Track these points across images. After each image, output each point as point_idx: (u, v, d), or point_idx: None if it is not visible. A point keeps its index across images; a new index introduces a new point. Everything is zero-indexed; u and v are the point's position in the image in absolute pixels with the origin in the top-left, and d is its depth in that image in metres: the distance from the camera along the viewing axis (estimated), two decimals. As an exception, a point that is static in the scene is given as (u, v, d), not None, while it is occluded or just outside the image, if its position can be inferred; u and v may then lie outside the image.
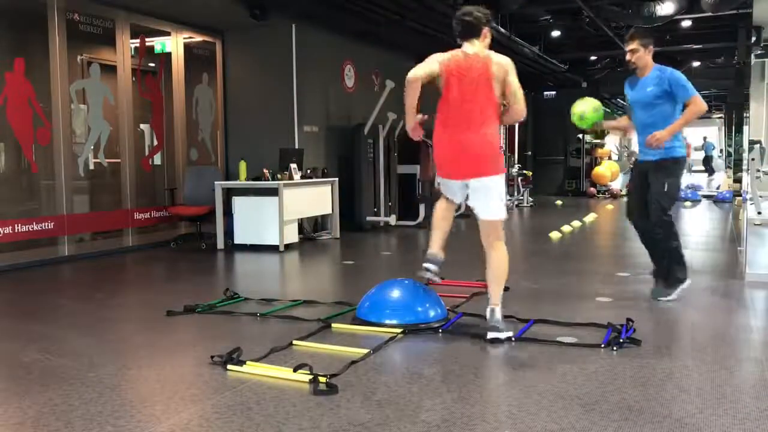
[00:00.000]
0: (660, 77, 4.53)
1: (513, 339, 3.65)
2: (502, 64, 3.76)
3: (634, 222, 4.82)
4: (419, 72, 3.73)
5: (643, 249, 4.94)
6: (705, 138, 29.62)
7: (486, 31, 3.88)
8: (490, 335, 3.64)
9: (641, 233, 4.82)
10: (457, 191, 3.95)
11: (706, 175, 25.49)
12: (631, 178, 4.97)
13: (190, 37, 8.72)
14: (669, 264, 4.69)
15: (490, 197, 3.78)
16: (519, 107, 3.76)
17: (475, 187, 3.80)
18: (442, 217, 4.07)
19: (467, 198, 3.92)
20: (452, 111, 3.80)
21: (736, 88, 15.28)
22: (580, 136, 17.58)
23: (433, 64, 3.81)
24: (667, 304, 4.59)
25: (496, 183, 3.78)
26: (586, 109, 4.74)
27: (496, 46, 13.43)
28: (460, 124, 3.77)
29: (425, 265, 3.94)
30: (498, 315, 3.72)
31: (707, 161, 27.28)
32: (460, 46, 3.91)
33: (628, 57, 4.62)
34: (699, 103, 4.45)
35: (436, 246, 4.00)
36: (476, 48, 3.83)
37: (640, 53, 4.57)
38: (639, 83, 4.63)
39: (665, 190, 4.54)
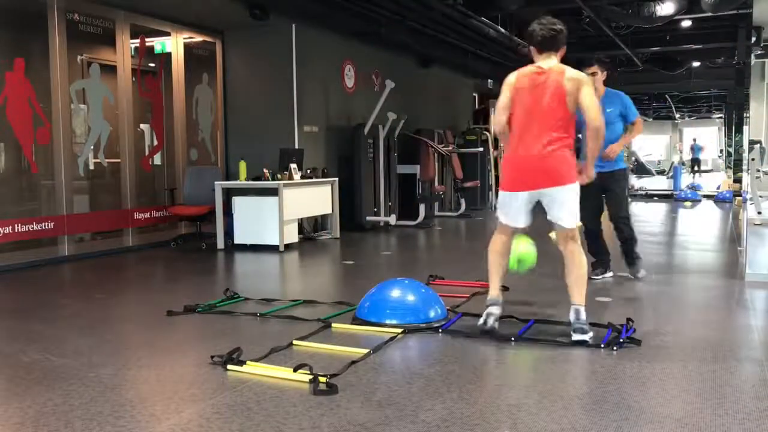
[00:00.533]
0: (617, 99, 5.27)
1: (513, 339, 3.65)
2: (577, 79, 3.83)
3: (585, 224, 5.29)
4: (501, 119, 3.88)
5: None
6: (694, 140, 29.69)
7: (564, 47, 4.01)
8: (576, 337, 3.59)
9: (589, 232, 5.52)
10: (522, 207, 3.90)
11: (691, 175, 25.48)
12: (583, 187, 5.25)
13: (190, 37, 8.72)
14: (630, 250, 5.56)
15: (565, 205, 3.78)
16: (589, 118, 3.79)
17: (552, 196, 3.78)
18: (501, 254, 4.05)
19: (544, 211, 3.92)
20: (525, 126, 3.81)
21: (736, 88, 15.27)
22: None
23: (505, 95, 3.89)
24: (664, 302, 4.60)
25: (569, 191, 3.78)
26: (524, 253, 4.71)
27: (496, 45, 13.32)
28: (533, 140, 3.77)
29: (487, 311, 3.83)
30: (583, 316, 3.69)
31: (695, 162, 27.42)
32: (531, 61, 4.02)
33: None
34: (641, 123, 5.41)
35: (495, 289, 3.94)
36: (552, 62, 3.92)
37: (598, 76, 5.19)
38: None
39: (625, 194, 5.52)
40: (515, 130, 3.87)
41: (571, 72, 3.84)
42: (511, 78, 3.91)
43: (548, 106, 3.77)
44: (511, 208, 3.95)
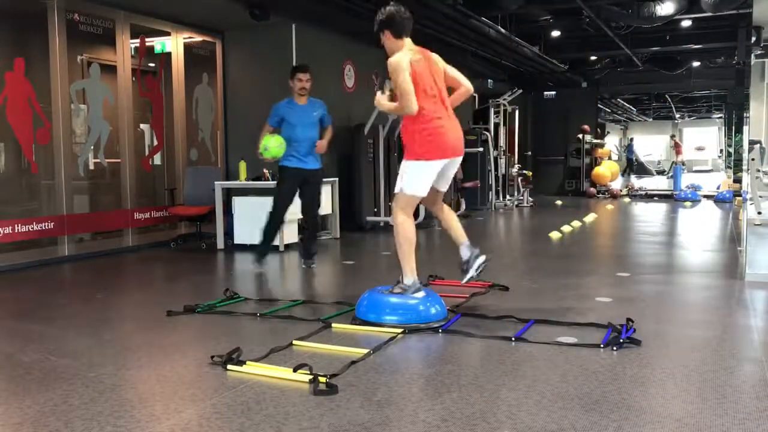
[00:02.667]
0: (319, 105, 6.12)
1: (513, 339, 3.66)
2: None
3: (281, 211, 6.04)
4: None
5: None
6: (631, 139, 29.39)
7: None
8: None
9: (274, 216, 6.09)
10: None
11: (625, 176, 24.98)
12: (285, 180, 6.05)
13: (190, 37, 8.72)
14: (312, 244, 6.28)
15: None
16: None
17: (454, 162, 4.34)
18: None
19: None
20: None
21: (736, 88, 15.27)
22: (580, 136, 17.58)
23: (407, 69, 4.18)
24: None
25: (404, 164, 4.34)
26: (270, 144, 5.80)
27: (496, 46, 13.29)
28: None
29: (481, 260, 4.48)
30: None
31: (629, 163, 26.91)
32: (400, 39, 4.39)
33: (303, 86, 5.98)
34: (332, 130, 6.22)
35: (414, 273, 4.32)
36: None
37: (311, 84, 6.05)
38: (299, 108, 6.00)
39: (320, 191, 6.28)
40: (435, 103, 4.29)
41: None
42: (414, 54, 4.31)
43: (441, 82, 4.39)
44: (443, 174, 4.38)
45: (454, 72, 4.45)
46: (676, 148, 22.61)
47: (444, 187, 4.46)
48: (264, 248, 6.17)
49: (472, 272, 4.43)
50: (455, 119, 4.31)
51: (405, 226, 4.29)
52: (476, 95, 16.13)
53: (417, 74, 4.15)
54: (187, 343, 3.83)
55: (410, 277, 4.22)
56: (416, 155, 4.17)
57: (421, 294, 4.17)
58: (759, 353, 3.43)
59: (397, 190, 4.29)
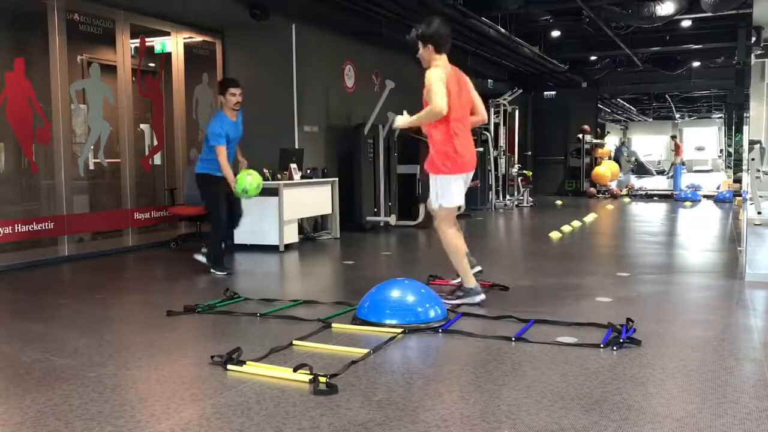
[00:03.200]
0: (240, 117, 6.08)
1: (513, 339, 3.66)
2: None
3: (226, 219, 6.01)
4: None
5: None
6: (623, 142, 29.30)
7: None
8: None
9: (228, 228, 6.14)
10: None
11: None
12: (215, 188, 5.93)
13: (190, 37, 8.72)
14: (229, 247, 6.34)
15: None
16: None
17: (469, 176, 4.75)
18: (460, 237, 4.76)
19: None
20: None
21: (736, 88, 15.27)
22: (580, 136, 17.59)
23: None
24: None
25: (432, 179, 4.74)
26: (249, 185, 5.79)
27: (496, 46, 13.32)
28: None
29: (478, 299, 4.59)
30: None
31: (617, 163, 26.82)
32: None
33: (238, 100, 5.93)
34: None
35: (472, 276, 4.67)
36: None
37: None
38: (233, 123, 5.97)
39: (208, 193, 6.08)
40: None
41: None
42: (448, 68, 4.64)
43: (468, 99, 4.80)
44: (461, 190, 4.72)
45: (476, 98, 4.83)
46: (677, 149, 22.54)
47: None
48: (217, 257, 6.06)
49: (457, 302, 4.61)
50: (470, 137, 4.73)
51: (451, 238, 4.64)
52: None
53: (447, 91, 4.50)
54: (187, 343, 3.83)
55: (470, 282, 4.59)
56: (441, 170, 4.58)
57: (481, 297, 4.57)
58: (759, 353, 3.43)
59: (435, 206, 4.64)
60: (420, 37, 4.61)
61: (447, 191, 4.57)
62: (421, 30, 4.61)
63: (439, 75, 4.49)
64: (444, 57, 4.65)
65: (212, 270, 6.02)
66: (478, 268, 5.02)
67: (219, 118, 5.90)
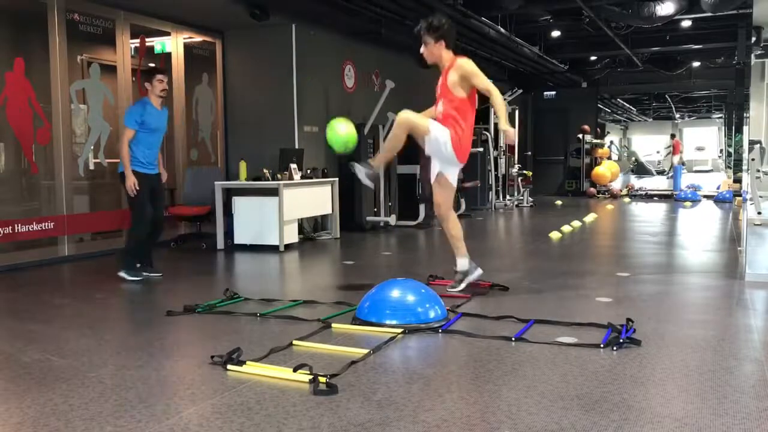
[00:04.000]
0: (166, 111, 5.83)
1: (513, 339, 3.66)
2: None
3: (149, 219, 5.72)
4: None
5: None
6: (611, 142, 29.34)
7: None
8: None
9: (151, 230, 5.84)
10: None
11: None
12: (141, 185, 5.62)
13: (190, 37, 8.72)
14: (151, 249, 5.97)
15: None
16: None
17: None
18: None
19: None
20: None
21: (736, 88, 15.28)
22: (580, 136, 17.59)
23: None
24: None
25: None
26: (350, 136, 5.20)
27: (496, 46, 13.29)
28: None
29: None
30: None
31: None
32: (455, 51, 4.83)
33: (164, 88, 5.66)
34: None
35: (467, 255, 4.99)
36: None
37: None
38: (158, 112, 5.70)
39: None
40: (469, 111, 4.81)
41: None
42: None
43: None
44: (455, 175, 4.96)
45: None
46: (674, 148, 22.56)
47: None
48: (131, 260, 5.75)
49: (463, 285, 4.89)
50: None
51: (456, 220, 4.99)
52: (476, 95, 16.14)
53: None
54: (187, 343, 3.83)
55: (465, 261, 4.94)
56: (457, 154, 4.79)
57: (479, 270, 4.96)
58: (759, 353, 3.43)
59: (443, 188, 4.94)
60: (433, 31, 4.66)
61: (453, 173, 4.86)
62: (435, 23, 4.66)
63: (473, 64, 4.66)
64: (451, 53, 4.77)
65: (122, 273, 5.69)
66: (479, 271, 5.07)
67: (141, 103, 5.65)
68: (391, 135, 4.83)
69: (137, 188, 5.56)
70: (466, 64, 4.65)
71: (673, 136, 25.17)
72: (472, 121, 4.87)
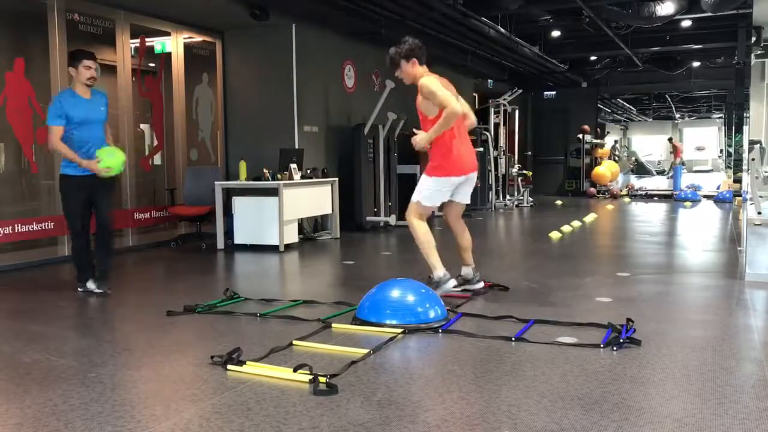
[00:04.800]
0: (102, 98, 5.16)
1: (513, 339, 3.66)
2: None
3: (80, 229, 5.13)
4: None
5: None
6: (615, 141, 29.27)
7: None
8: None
9: (76, 236, 5.18)
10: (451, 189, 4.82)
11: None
12: (72, 192, 5.07)
13: (190, 37, 8.72)
14: (108, 258, 5.29)
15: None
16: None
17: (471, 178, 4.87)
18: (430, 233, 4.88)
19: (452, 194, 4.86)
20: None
21: (736, 88, 15.28)
22: (580, 136, 17.59)
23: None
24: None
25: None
26: (113, 163, 4.97)
27: (496, 46, 13.28)
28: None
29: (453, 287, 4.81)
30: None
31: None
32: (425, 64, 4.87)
33: (93, 75, 4.97)
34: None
35: (440, 265, 4.83)
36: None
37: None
38: (86, 102, 4.99)
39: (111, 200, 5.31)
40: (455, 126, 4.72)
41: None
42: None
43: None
44: (446, 192, 4.84)
45: (464, 102, 4.92)
46: (675, 151, 22.56)
47: (465, 200, 4.95)
48: (84, 276, 5.20)
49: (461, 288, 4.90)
50: (468, 139, 4.92)
51: (420, 229, 4.80)
52: (476, 95, 16.17)
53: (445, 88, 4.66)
54: (187, 343, 3.83)
55: (438, 270, 4.76)
56: (435, 172, 4.72)
57: (452, 283, 4.78)
58: (759, 353, 3.43)
59: (414, 200, 4.82)
60: (403, 55, 4.78)
61: (434, 193, 4.76)
62: (402, 48, 4.82)
63: (435, 81, 4.65)
64: (425, 67, 4.81)
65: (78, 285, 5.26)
66: (480, 284, 5.02)
67: (63, 95, 5.04)
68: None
69: (71, 195, 5.04)
70: (425, 85, 4.65)
71: (670, 139, 25.16)
72: (462, 127, 4.82)
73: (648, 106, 28.65)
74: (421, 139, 4.71)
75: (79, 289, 5.20)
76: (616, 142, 25.08)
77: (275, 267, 6.67)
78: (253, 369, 3.17)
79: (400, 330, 3.81)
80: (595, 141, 18.16)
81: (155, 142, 8.41)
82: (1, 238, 6.28)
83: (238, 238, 7.59)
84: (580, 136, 17.57)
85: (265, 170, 7.59)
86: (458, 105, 4.59)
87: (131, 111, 7.79)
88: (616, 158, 21.60)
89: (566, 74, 16.18)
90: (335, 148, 9.68)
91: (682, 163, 22.40)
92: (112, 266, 5.43)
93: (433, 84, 4.63)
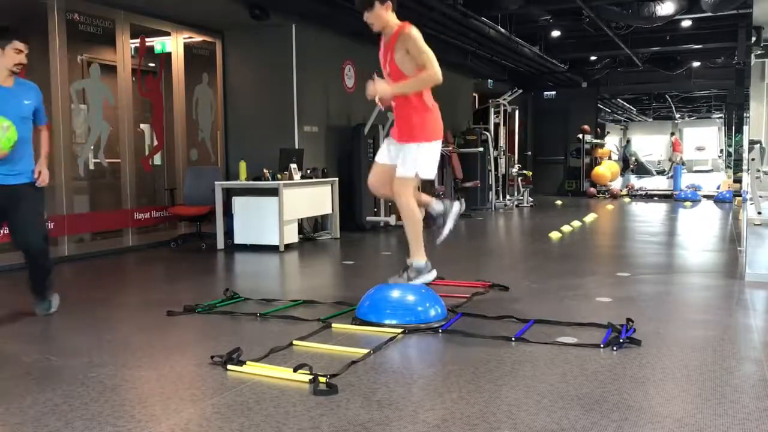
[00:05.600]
0: (31, 90, 4.25)
1: (513, 339, 3.66)
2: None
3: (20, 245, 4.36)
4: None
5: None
6: (628, 140, 29.14)
7: None
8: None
9: (30, 260, 4.42)
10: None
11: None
12: None
13: (190, 37, 8.72)
14: (43, 278, 4.48)
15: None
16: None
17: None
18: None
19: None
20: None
21: (736, 88, 15.29)
22: (580, 136, 17.59)
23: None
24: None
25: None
26: None
27: (496, 46, 13.33)
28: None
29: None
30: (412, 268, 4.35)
31: (626, 162, 26.50)
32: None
33: (21, 61, 4.14)
34: (49, 135, 4.48)
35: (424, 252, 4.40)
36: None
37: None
38: (5, 92, 4.12)
39: (40, 213, 4.45)
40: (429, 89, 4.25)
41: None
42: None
43: None
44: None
45: None
46: (674, 146, 22.62)
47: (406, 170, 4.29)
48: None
49: (450, 223, 4.49)
50: None
51: (415, 207, 4.29)
52: (476, 95, 16.17)
53: None
54: (187, 343, 3.83)
55: (421, 258, 4.36)
56: (428, 137, 4.21)
57: (433, 274, 4.38)
58: (759, 353, 3.43)
59: (410, 173, 4.18)
60: None
61: (430, 159, 4.22)
62: None
63: (421, 36, 4.07)
64: (395, 15, 4.25)
65: None
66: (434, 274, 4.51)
67: None
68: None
69: None
70: (416, 38, 4.08)
71: (672, 134, 25.19)
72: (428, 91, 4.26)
73: (648, 106, 28.66)
74: (385, 90, 4.15)
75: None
76: (629, 141, 25.07)
77: (275, 267, 6.67)
78: (253, 369, 3.17)
79: (400, 330, 3.81)
80: (595, 141, 18.16)
81: (155, 142, 8.41)
82: (1, 238, 6.28)
83: (238, 238, 7.59)
84: (580, 136, 17.57)
85: (265, 170, 7.59)
86: (440, 75, 4.05)
87: (131, 111, 7.79)
88: (630, 159, 21.64)
89: (566, 74, 16.18)
90: (335, 148, 9.68)
91: (682, 163, 22.44)
92: (50, 284, 4.55)
93: (421, 38, 4.07)
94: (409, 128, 4.22)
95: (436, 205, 4.52)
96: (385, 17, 4.22)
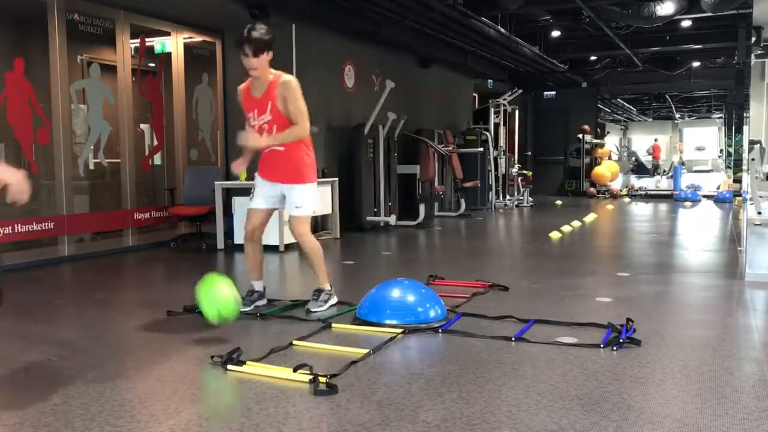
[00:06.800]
0: None
1: (513, 339, 3.66)
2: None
3: None
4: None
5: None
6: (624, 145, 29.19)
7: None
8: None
9: None
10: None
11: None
12: None
13: (190, 37, 8.72)
14: None
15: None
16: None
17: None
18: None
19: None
20: None
21: (736, 88, 15.29)
22: (580, 136, 17.59)
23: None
24: None
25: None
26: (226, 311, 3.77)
27: (496, 46, 13.32)
28: None
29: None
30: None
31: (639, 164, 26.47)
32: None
33: None
34: None
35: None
36: None
37: None
38: None
39: None
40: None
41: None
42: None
43: None
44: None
45: None
46: (654, 151, 22.97)
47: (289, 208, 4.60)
48: None
49: (328, 305, 4.53)
50: None
51: (316, 242, 4.68)
52: (476, 95, 16.17)
53: None
54: (187, 343, 3.83)
55: (328, 284, 4.62)
56: (313, 177, 4.55)
57: (335, 299, 4.57)
58: (759, 353, 3.43)
59: (303, 214, 4.49)
60: (270, 44, 4.48)
61: (312, 198, 4.55)
62: (269, 36, 4.50)
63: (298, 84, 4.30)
64: None
65: None
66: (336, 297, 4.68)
67: None
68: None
69: None
70: (296, 91, 4.46)
71: (656, 140, 25.37)
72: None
73: (648, 106, 28.68)
74: (259, 140, 4.41)
75: None
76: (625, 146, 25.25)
77: (275, 267, 6.67)
78: (253, 369, 3.17)
79: (400, 330, 3.81)
80: (595, 141, 18.16)
81: (155, 142, 8.41)
82: (1, 238, 6.28)
83: (238, 238, 7.58)
84: (580, 136, 17.57)
85: (265, 170, 7.58)
86: (308, 130, 4.47)
87: (131, 111, 7.79)
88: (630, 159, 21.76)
89: (566, 74, 16.19)
90: (335, 148, 9.68)
91: (682, 163, 22.48)
92: None
93: (299, 91, 4.45)
94: (299, 170, 4.49)
95: (257, 285, 4.70)
96: (264, 65, 4.52)
